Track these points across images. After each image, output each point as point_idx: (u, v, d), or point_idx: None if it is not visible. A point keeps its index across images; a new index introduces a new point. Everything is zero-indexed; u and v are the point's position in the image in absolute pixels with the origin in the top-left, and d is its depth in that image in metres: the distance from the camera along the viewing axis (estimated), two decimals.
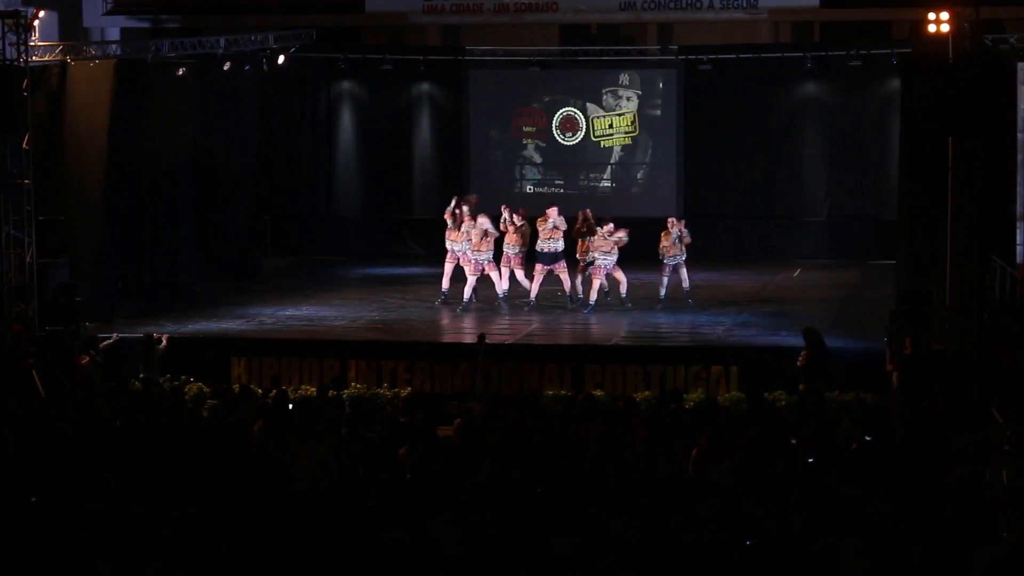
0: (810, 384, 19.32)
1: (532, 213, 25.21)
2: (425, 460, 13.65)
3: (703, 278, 28.15)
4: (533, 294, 24.55)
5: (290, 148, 32.91)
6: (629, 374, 21.02)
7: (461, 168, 32.63)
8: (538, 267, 24.46)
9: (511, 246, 24.50)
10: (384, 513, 11.54)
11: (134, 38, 30.48)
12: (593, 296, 24.17)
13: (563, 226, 24.34)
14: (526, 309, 24.39)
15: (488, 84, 32.42)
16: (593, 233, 24.09)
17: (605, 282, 24.34)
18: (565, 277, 24.49)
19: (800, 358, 19.57)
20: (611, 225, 24.09)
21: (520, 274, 24.63)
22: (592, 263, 24.15)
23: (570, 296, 24.60)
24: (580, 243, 24.44)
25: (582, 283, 24.69)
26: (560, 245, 24.30)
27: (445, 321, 24.32)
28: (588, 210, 24.76)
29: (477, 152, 32.65)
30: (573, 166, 32.33)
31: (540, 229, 24.37)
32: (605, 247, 23.92)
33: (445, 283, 25.09)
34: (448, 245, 24.84)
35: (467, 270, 24.56)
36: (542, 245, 24.31)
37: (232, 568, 10.49)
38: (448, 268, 24.98)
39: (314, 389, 20.27)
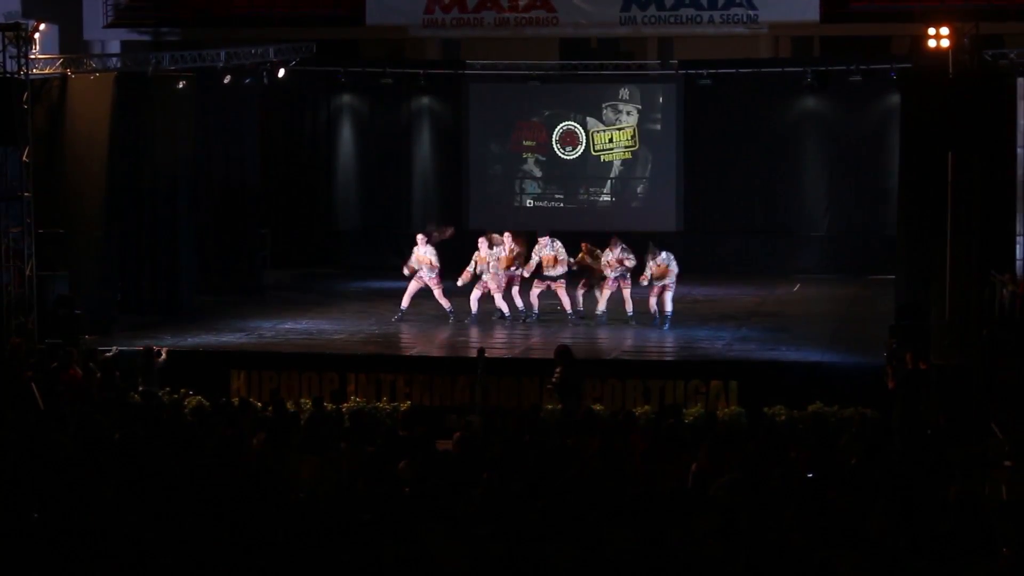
0: (566, 402, 19.45)
1: (533, 228, 25.34)
2: (424, 474, 13.65)
3: (703, 292, 28.21)
4: (535, 307, 24.71)
5: (290, 161, 32.93)
6: (628, 388, 21.01)
7: (461, 182, 32.65)
8: (536, 281, 24.57)
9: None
10: (383, 527, 11.53)
11: (134, 51, 30.51)
12: (602, 305, 24.28)
13: (559, 255, 24.43)
14: (526, 321, 24.56)
15: (488, 98, 32.44)
16: (597, 260, 24.24)
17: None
18: (563, 293, 24.54)
19: (555, 375, 19.64)
20: (618, 251, 24.18)
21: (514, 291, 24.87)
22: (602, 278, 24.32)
23: (571, 312, 24.64)
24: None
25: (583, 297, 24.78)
26: (562, 270, 24.42)
27: (444, 335, 24.30)
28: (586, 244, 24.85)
29: (477, 166, 32.67)
30: (573, 180, 32.34)
31: (543, 256, 24.44)
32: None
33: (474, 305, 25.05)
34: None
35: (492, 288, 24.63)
36: (548, 271, 24.44)
37: None
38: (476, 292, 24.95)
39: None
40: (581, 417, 17.91)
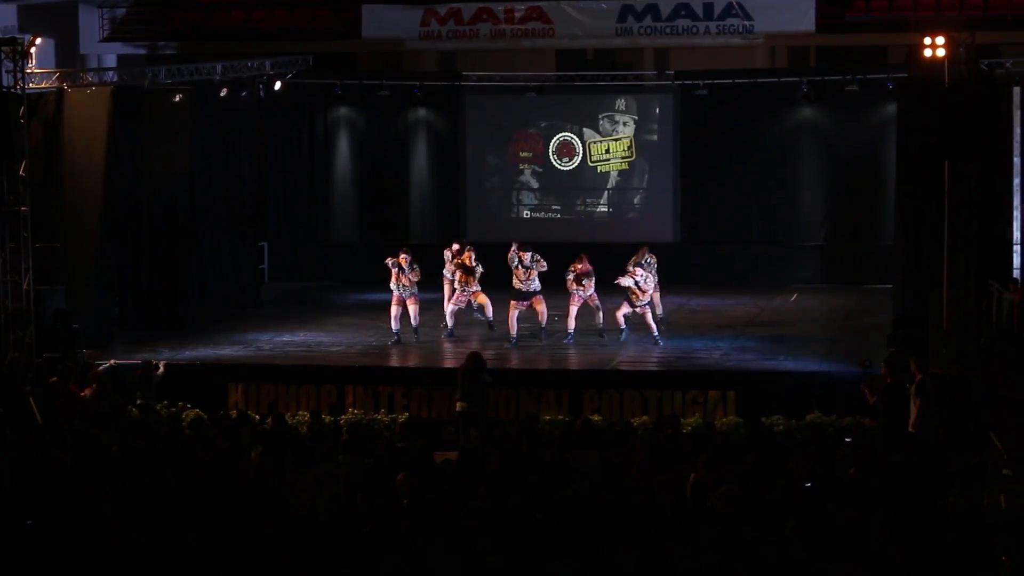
0: (469, 403, 19.61)
1: (529, 238, 25.35)
2: (423, 486, 13.64)
3: (700, 303, 28.22)
4: (513, 330, 23.94)
5: (287, 174, 32.95)
6: (626, 399, 21.01)
7: (458, 194, 32.66)
8: (513, 303, 23.98)
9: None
10: (382, 540, 11.51)
11: (131, 65, 30.48)
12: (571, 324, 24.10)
13: (535, 265, 23.92)
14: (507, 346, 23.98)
15: (485, 109, 32.47)
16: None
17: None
18: (542, 309, 24.02)
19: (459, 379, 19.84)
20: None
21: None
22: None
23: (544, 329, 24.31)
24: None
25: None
26: (536, 284, 23.94)
27: (442, 347, 24.28)
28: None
29: (474, 178, 32.68)
30: (570, 191, 32.36)
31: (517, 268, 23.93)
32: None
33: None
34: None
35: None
36: (519, 285, 23.86)
37: None
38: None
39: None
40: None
